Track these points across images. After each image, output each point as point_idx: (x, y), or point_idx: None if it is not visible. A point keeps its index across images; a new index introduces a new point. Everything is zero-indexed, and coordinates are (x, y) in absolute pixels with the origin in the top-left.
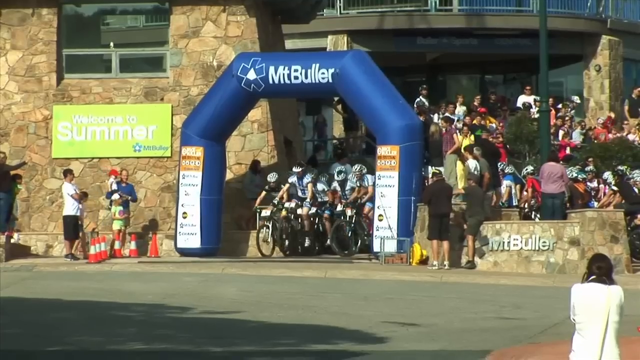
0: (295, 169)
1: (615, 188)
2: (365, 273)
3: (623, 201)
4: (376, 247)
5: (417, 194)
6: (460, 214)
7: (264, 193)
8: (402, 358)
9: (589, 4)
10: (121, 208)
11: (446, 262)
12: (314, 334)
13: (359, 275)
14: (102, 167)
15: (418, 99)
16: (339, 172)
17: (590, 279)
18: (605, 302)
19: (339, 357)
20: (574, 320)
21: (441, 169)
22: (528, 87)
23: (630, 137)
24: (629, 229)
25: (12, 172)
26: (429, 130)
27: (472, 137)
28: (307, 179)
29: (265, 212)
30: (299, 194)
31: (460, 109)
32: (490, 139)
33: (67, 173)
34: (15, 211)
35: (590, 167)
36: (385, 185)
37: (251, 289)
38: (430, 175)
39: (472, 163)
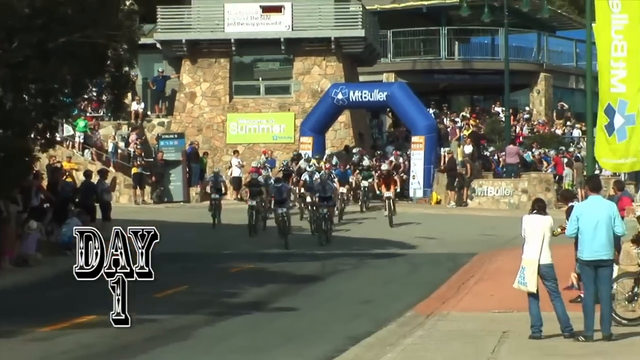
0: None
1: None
2: (404, 209)
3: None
4: (411, 194)
5: (433, 164)
6: (460, 175)
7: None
8: (426, 257)
9: (533, 54)
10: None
11: (453, 203)
12: (373, 244)
13: (401, 210)
14: (254, 149)
15: (433, 110)
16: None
17: (533, 212)
18: (541, 225)
19: (389, 256)
20: (524, 235)
21: (445, 149)
22: (497, 102)
23: (558, 131)
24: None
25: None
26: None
27: (471, 133)
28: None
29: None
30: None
31: (462, 117)
32: (481, 130)
33: (235, 152)
34: (205, 174)
35: (533, 151)
36: (416, 159)
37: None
38: (444, 154)
39: (467, 148)
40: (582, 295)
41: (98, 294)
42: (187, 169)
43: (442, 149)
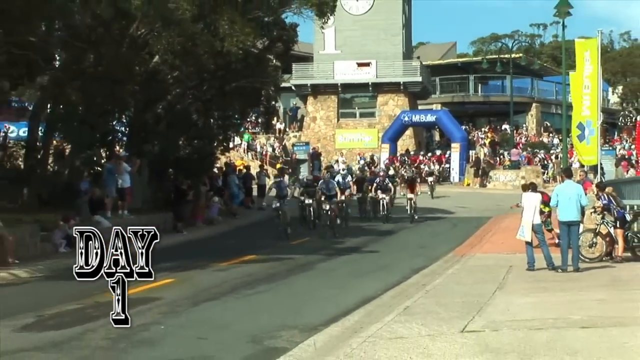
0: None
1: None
2: (447, 189)
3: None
4: (451, 180)
5: (465, 160)
6: (482, 167)
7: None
8: (460, 219)
9: (528, 91)
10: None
11: (477, 185)
12: (426, 212)
13: (444, 190)
14: (353, 152)
15: (465, 127)
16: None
17: (529, 190)
18: (534, 199)
19: (437, 219)
20: (522, 205)
21: (473, 151)
22: (506, 122)
23: (544, 140)
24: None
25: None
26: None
27: (489, 141)
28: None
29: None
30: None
31: (483, 131)
32: (496, 139)
33: (340, 153)
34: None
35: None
36: (455, 158)
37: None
38: (472, 154)
39: (487, 151)
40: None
41: (256, 242)
42: (311, 164)
43: (470, 151)
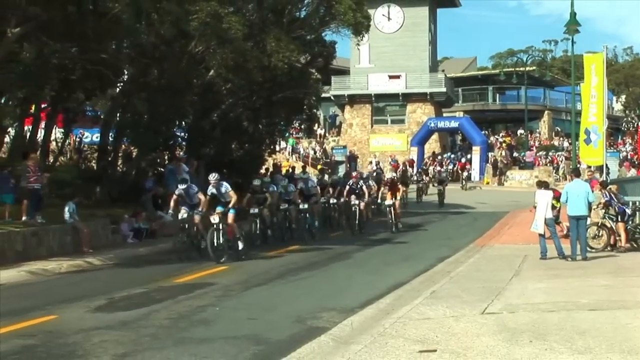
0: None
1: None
2: (468, 189)
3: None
4: (472, 179)
5: (485, 162)
6: (500, 168)
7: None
8: (480, 214)
9: (541, 100)
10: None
11: (496, 184)
12: (451, 207)
13: (465, 189)
14: (385, 154)
15: (484, 132)
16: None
17: (541, 188)
18: (546, 196)
19: (459, 213)
20: (535, 202)
21: (492, 153)
22: (521, 127)
23: (555, 143)
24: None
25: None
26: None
27: (506, 144)
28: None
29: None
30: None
31: (501, 135)
32: (512, 143)
33: (374, 155)
34: (357, 166)
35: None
36: (475, 159)
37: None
38: (491, 156)
39: (504, 153)
40: (569, 233)
41: (299, 235)
42: (348, 165)
43: (489, 153)
